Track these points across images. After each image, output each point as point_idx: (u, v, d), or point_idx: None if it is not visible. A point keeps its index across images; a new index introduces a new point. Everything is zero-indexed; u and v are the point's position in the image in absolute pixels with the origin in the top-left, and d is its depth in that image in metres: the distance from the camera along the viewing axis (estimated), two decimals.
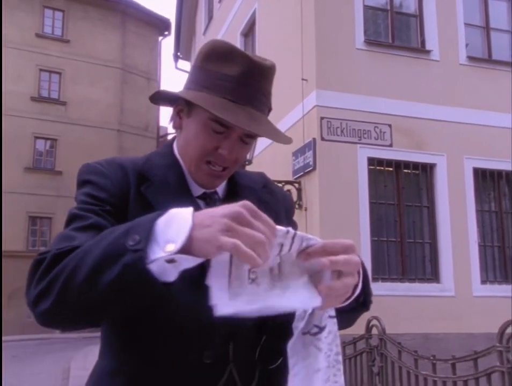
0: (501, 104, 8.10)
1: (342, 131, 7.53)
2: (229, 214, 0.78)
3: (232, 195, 1.19)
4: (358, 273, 0.95)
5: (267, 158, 8.96)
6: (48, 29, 23.06)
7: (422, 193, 7.93)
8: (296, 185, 7.80)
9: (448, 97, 8.05)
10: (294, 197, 7.73)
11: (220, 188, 1.20)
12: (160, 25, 25.39)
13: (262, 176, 1.32)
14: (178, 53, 17.62)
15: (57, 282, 0.85)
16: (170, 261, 0.79)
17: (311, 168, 7.48)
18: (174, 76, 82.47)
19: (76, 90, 22.91)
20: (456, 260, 7.63)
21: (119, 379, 1.03)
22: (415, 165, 7.82)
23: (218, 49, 1.11)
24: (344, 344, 5.67)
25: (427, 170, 7.93)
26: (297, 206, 7.72)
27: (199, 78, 1.11)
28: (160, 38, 25.42)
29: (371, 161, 7.60)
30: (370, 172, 7.57)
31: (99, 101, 23.19)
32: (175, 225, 0.81)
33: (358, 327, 5.12)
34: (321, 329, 0.91)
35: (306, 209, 7.58)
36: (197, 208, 1.11)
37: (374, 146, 7.64)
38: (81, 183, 1.10)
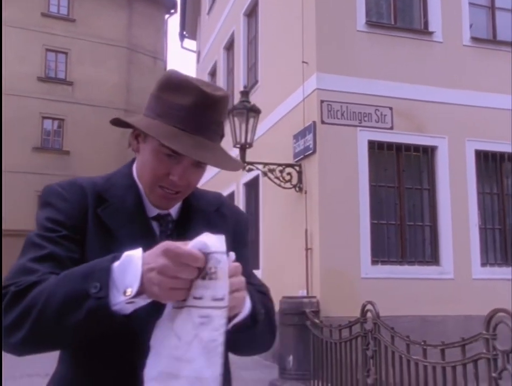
0: (504, 86, 8.02)
1: (342, 114, 7.51)
2: (157, 268, 0.89)
3: (184, 217, 1.25)
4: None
5: (267, 141, 8.97)
6: (54, 8, 22.96)
7: (423, 176, 7.92)
8: (297, 168, 7.83)
9: (450, 79, 7.98)
10: (295, 180, 7.77)
11: (174, 210, 1.25)
12: (166, 3, 25.17)
13: (218, 198, 1.36)
14: (184, 32, 17.53)
15: (26, 321, 0.94)
16: (129, 302, 0.91)
17: (310, 151, 7.49)
18: (180, 55, 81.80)
19: (82, 70, 22.89)
20: (457, 242, 7.65)
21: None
22: (416, 148, 7.80)
23: (173, 80, 1.15)
24: (340, 328, 5.76)
25: (428, 152, 7.91)
26: (297, 188, 7.77)
27: (155, 106, 1.16)
28: (167, 16, 25.24)
29: (371, 144, 7.59)
30: (370, 155, 7.57)
31: (105, 80, 23.17)
32: (130, 271, 0.91)
33: (354, 311, 5.21)
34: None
35: (306, 193, 7.62)
36: (149, 230, 1.18)
37: (375, 129, 7.62)
38: (43, 204, 1.17)
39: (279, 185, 7.75)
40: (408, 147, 7.77)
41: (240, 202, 10.73)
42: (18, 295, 0.97)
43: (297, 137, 7.93)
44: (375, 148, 7.61)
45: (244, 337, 1.10)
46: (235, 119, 7.62)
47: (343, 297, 6.88)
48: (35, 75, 22.60)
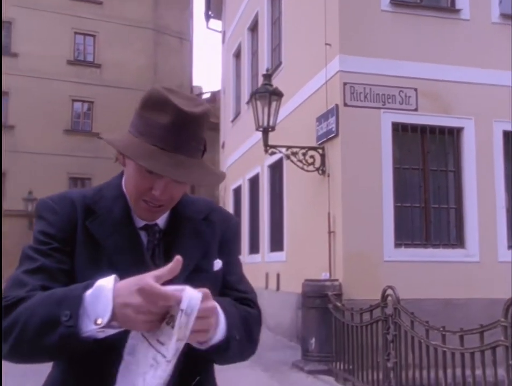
0: None
1: (365, 96, 7.43)
2: (133, 306, 0.94)
3: (172, 226, 1.29)
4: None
5: (290, 124, 8.95)
6: None
7: (448, 158, 7.81)
8: (320, 151, 7.80)
9: (478, 58, 7.80)
10: (318, 163, 7.75)
11: (162, 220, 1.28)
12: None
13: (207, 205, 1.38)
14: (210, 12, 17.45)
15: (10, 336, 1.03)
16: (100, 330, 0.97)
17: (333, 134, 7.45)
18: (206, 36, 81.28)
19: (110, 52, 23.08)
20: (482, 225, 7.55)
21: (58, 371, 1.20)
22: (441, 130, 7.68)
23: (153, 98, 1.18)
24: (361, 311, 5.80)
25: (454, 134, 7.78)
26: (320, 172, 7.76)
27: (137, 124, 1.19)
28: None
29: (395, 126, 7.50)
30: (394, 137, 7.49)
31: (132, 62, 23.31)
32: (101, 301, 0.97)
33: (376, 294, 5.22)
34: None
35: (329, 176, 7.60)
36: (137, 240, 1.23)
37: (399, 111, 7.52)
38: (37, 218, 1.23)
39: (302, 168, 7.75)
40: (433, 129, 7.66)
41: (265, 185, 10.77)
42: (5, 311, 1.04)
43: (319, 120, 7.90)
44: (399, 130, 7.52)
45: (219, 356, 1.16)
46: (258, 102, 7.61)
47: (365, 280, 6.89)
48: (65, 58, 22.90)
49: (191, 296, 0.96)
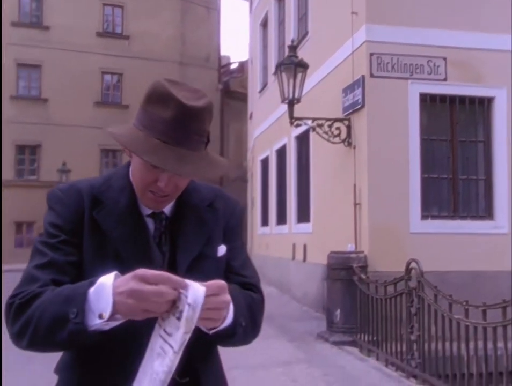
0: None
1: (392, 67, 7.29)
2: (126, 291, 0.99)
3: (177, 214, 1.33)
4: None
5: (316, 96, 8.87)
6: None
7: (478, 128, 7.65)
8: (346, 122, 7.73)
9: (510, 25, 7.53)
10: (344, 135, 7.70)
11: (168, 207, 1.32)
12: None
13: (212, 192, 1.41)
14: None
15: (27, 333, 1.10)
16: (105, 324, 1.03)
17: (359, 106, 7.37)
18: (234, 5, 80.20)
19: (138, 23, 23.06)
20: None
21: (72, 371, 1.25)
22: (471, 100, 7.51)
23: (157, 92, 1.19)
24: (385, 284, 5.83)
25: (484, 104, 7.60)
26: (346, 143, 7.71)
27: (141, 117, 1.21)
28: None
29: (423, 96, 7.36)
30: (422, 108, 7.36)
31: (160, 33, 23.28)
32: (103, 296, 1.02)
33: (402, 266, 5.22)
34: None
35: (354, 147, 7.55)
36: (143, 228, 1.27)
37: (427, 81, 7.37)
38: (48, 208, 1.28)
39: (328, 140, 7.71)
40: (462, 99, 7.49)
41: (292, 156, 10.76)
42: (21, 308, 1.12)
43: (346, 91, 7.80)
44: (427, 101, 7.39)
45: (224, 341, 1.22)
46: (283, 74, 7.56)
47: (391, 253, 6.88)
48: (94, 30, 23.00)
49: (197, 291, 0.99)
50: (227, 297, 1.08)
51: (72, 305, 1.04)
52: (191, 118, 1.17)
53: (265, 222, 13.46)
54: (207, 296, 1.01)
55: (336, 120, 7.72)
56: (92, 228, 1.24)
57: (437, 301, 4.85)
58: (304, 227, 9.89)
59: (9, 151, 22.07)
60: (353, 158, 7.55)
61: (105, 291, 1.02)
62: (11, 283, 1.51)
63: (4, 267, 17.19)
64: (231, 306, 1.15)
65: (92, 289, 1.04)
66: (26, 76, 22.80)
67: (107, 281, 1.03)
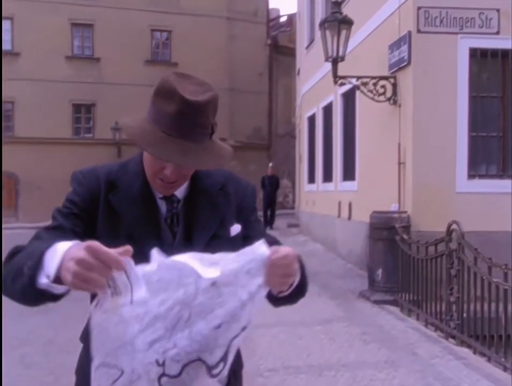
0: None
1: (441, 21, 7.03)
2: (76, 258, 1.00)
3: (190, 197, 1.43)
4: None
5: (361, 53, 8.68)
6: None
7: None
8: (391, 80, 7.57)
9: None
10: (389, 93, 7.55)
11: (180, 192, 1.42)
12: None
13: (224, 176, 1.50)
14: None
15: (7, 278, 1.20)
16: (50, 285, 1.08)
17: (405, 63, 7.18)
18: None
19: None
20: None
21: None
22: None
23: (163, 87, 1.28)
24: (426, 245, 5.82)
25: None
26: (391, 101, 7.57)
27: (150, 111, 1.31)
28: None
29: (473, 51, 7.09)
30: (471, 64, 7.10)
31: None
32: (54, 259, 1.06)
33: (444, 226, 5.19)
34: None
35: (400, 106, 7.41)
36: (155, 210, 1.38)
37: (478, 35, 7.08)
38: (71, 186, 1.42)
39: (372, 99, 7.58)
40: None
41: (338, 113, 10.64)
42: (11, 254, 1.23)
43: (392, 48, 7.60)
44: (478, 56, 7.11)
45: (294, 298, 1.30)
46: (327, 32, 7.43)
47: (435, 213, 6.80)
48: None
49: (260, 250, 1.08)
50: (296, 265, 1.16)
51: (29, 260, 1.11)
52: (194, 112, 1.25)
53: (312, 179, 13.48)
54: (279, 263, 1.10)
55: (381, 78, 7.57)
56: (106, 211, 1.36)
57: (476, 263, 4.83)
58: (349, 185, 9.87)
59: (66, 111, 22.74)
60: (398, 117, 7.42)
61: (58, 254, 1.06)
62: None
63: None
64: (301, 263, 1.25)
65: (49, 250, 1.09)
66: (80, 36, 23.17)
67: (63, 246, 1.07)
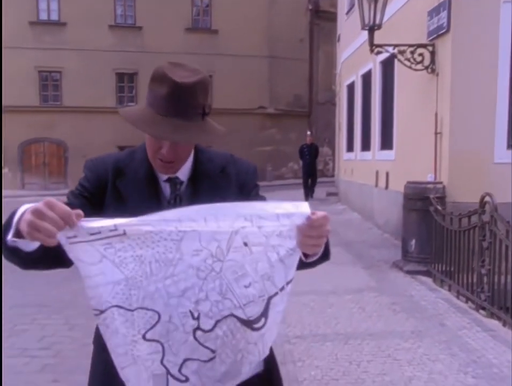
0: None
1: None
2: (32, 209, 1.13)
3: (193, 180, 1.55)
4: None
5: (399, 20, 8.49)
6: None
7: None
8: (430, 48, 7.40)
9: None
10: (427, 61, 7.40)
11: (183, 175, 1.53)
12: None
13: (224, 159, 1.61)
14: None
15: None
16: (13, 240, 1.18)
17: (444, 30, 7.00)
18: None
19: None
20: None
21: (99, 345, 1.48)
22: None
23: (156, 74, 1.41)
24: (460, 217, 5.80)
25: None
26: (429, 70, 7.43)
27: (148, 96, 1.44)
28: None
29: None
30: None
31: None
32: (17, 217, 1.19)
33: (478, 197, 5.15)
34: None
35: (437, 75, 7.26)
36: (158, 192, 1.50)
37: None
38: (83, 173, 1.56)
39: (410, 67, 7.45)
40: None
41: (376, 81, 10.48)
42: None
43: (431, 14, 7.41)
44: None
45: (320, 261, 1.40)
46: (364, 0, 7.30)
47: (472, 183, 6.70)
48: None
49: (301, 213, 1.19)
50: (319, 213, 1.25)
51: (6, 221, 1.25)
52: (184, 93, 1.37)
53: (350, 148, 13.40)
54: (316, 223, 1.20)
55: (419, 46, 7.41)
56: (114, 195, 1.49)
57: (508, 236, 4.80)
58: (386, 154, 9.79)
59: (110, 80, 23.15)
60: (435, 86, 7.28)
61: (21, 210, 1.20)
62: None
63: None
64: None
65: (18, 212, 1.21)
66: (122, 5, 23.35)
67: (28, 205, 1.20)
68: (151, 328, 1.20)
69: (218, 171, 1.57)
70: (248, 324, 1.23)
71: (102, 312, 1.20)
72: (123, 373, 1.25)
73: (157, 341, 1.20)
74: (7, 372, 3.73)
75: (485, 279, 5.23)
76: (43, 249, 1.22)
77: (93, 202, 1.48)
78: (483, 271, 5.25)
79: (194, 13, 23.48)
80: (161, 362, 1.22)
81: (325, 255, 1.40)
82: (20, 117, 21.84)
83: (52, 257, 1.25)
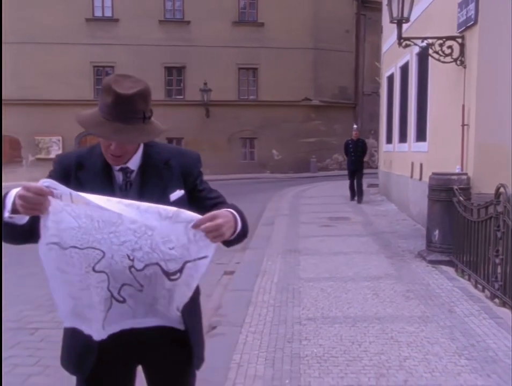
0: None
1: None
2: (18, 195, 1.56)
3: (141, 170, 1.88)
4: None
5: (434, 12, 8.53)
6: None
7: None
8: (459, 40, 7.43)
9: None
10: (456, 53, 7.44)
11: (134, 164, 1.87)
12: None
13: (170, 153, 1.94)
14: None
15: None
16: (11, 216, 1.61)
17: (472, 22, 7.03)
18: None
19: None
20: None
21: None
22: None
23: (105, 84, 1.75)
24: (478, 207, 5.89)
25: None
26: (458, 62, 7.46)
27: (99, 103, 1.79)
28: None
29: None
30: None
31: None
32: (10, 199, 1.61)
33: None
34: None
35: (465, 67, 7.29)
36: (111, 180, 1.84)
37: None
38: (52, 167, 1.91)
39: (438, 60, 7.51)
40: None
41: (413, 73, 10.50)
42: None
43: (461, 6, 7.43)
44: None
45: (237, 241, 1.83)
46: None
47: (497, 175, 6.72)
48: None
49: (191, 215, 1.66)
50: (219, 220, 1.65)
51: (1, 201, 1.65)
52: (124, 102, 1.71)
53: (389, 139, 13.42)
54: (204, 225, 1.63)
55: (447, 38, 7.45)
56: (77, 183, 1.82)
57: None
58: (421, 145, 9.84)
59: (159, 73, 23.84)
60: (463, 78, 7.32)
61: (11, 195, 1.61)
62: None
63: None
64: (238, 218, 1.75)
65: (7, 195, 1.63)
66: (171, 0, 23.96)
67: (14, 190, 1.61)
68: (98, 262, 1.63)
69: (163, 163, 1.90)
70: (167, 274, 1.68)
71: (65, 249, 1.64)
72: (81, 294, 1.69)
73: (103, 271, 1.64)
74: None
75: (499, 269, 5.33)
76: (30, 222, 1.63)
77: None
78: (497, 261, 5.34)
79: (241, 6, 23.80)
80: (108, 288, 1.67)
81: (242, 236, 1.80)
82: (76, 110, 22.56)
83: (35, 230, 1.65)
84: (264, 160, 24.46)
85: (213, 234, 1.64)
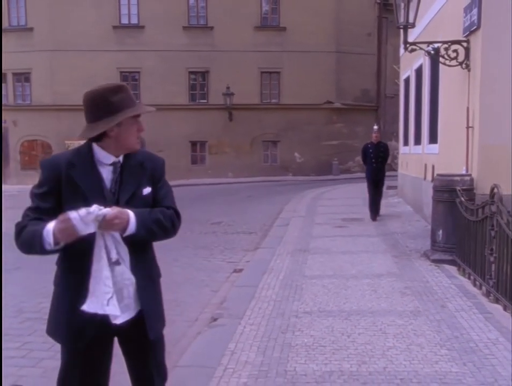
0: None
1: None
2: (55, 229, 1.99)
3: (122, 170, 2.21)
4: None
5: (445, 16, 8.68)
6: None
7: None
8: (464, 44, 7.59)
9: None
10: (462, 57, 7.59)
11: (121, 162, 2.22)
12: None
13: (144, 157, 2.29)
14: None
15: (22, 246, 2.11)
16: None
17: (475, 27, 7.19)
18: None
19: None
20: None
21: (59, 269, 2.24)
22: None
23: (110, 90, 2.15)
24: (476, 207, 6.06)
25: None
26: (463, 66, 7.62)
27: (118, 105, 2.17)
28: None
29: None
30: None
31: None
32: (49, 234, 2.01)
33: (507, 189, 5.43)
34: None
35: (469, 70, 7.45)
36: (100, 176, 2.17)
37: None
38: (40, 172, 2.20)
39: (444, 63, 7.68)
40: None
41: (426, 76, 10.65)
42: (17, 233, 2.11)
43: (466, 11, 7.59)
44: None
45: (137, 239, 2.15)
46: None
47: (501, 176, 6.87)
48: None
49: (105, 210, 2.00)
50: (122, 217, 2.03)
51: (36, 238, 2.01)
52: (128, 90, 2.19)
53: (406, 142, 13.55)
54: (111, 217, 1.98)
55: (453, 42, 7.61)
56: (68, 182, 2.12)
57: (509, 226, 5.05)
58: (433, 148, 9.98)
59: (183, 78, 24.35)
60: (467, 81, 7.48)
61: (49, 231, 2.00)
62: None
63: (180, 181, 19.63)
64: (133, 221, 2.07)
65: (44, 231, 2.00)
66: (195, 6, 24.44)
67: (50, 226, 1.98)
68: None
69: (138, 164, 2.24)
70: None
71: None
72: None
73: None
74: None
75: (493, 267, 5.50)
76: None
77: (54, 194, 2.14)
78: (491, 259, 5.51)
79: (263, 11, 24.14)
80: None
81: (138, 235, 2.13)
82: None
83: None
84: (287, 163, 24.71)
85: (111, 227, 2.02)
